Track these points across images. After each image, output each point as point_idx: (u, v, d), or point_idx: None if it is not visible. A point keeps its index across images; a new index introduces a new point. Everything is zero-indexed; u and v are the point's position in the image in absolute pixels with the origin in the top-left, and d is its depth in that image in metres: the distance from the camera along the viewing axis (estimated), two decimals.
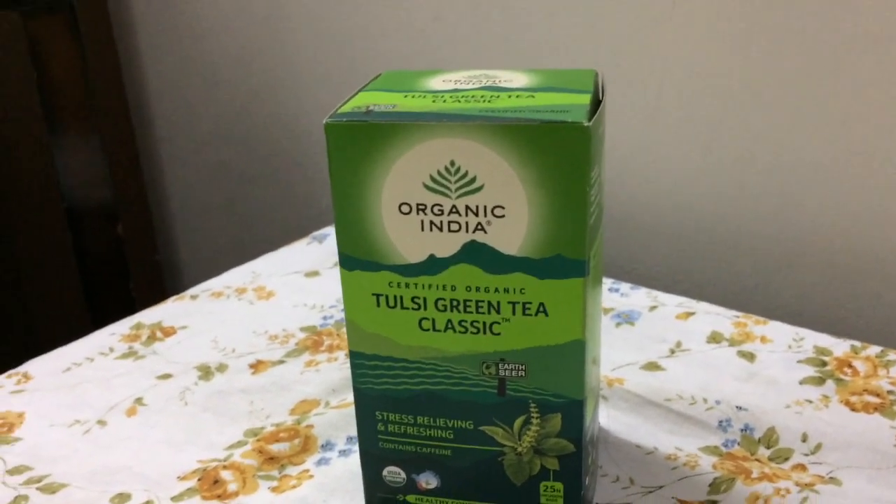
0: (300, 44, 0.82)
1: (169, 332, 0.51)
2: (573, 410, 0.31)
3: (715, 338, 0.48)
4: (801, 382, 0.43)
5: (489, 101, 0.29)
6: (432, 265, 0.30)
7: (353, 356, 0.33)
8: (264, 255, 0.61)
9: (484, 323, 0.31)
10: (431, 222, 0.29)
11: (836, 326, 0.55)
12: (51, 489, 0.38)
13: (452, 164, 0.29)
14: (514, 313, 0.30)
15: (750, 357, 0.46)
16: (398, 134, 0.28)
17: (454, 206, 0.29)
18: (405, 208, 0.29)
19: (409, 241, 0.30)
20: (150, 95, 0.99)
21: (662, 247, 0.64)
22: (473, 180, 0.29)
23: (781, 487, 0.36)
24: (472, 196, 0.29)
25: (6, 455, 0.40)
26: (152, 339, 0.50)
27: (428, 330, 0.31)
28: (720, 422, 0.40)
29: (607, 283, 0.55)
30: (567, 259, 0.29)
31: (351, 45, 0.78)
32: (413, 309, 0.31)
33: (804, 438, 0.39)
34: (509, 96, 0.30)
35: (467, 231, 0.29)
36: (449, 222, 0.29)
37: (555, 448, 0.32)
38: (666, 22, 0.57)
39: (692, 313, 0.51)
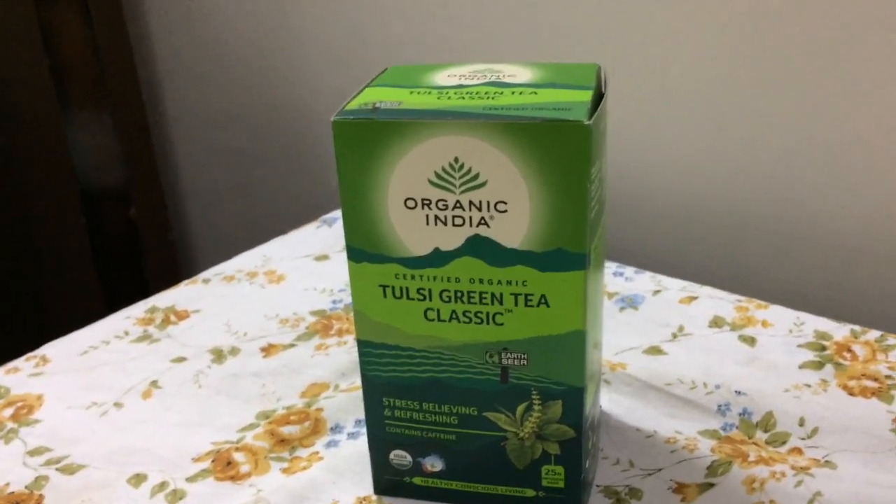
0: (310, 26, 0.83)
1: (182, 315, 0.52)
2: (574, 397, 0.33)
3: (717, 322, 0.49)
4: (800, 367, 0.44)
5: (493, 98, 0.30)
6: (437, 258, 0.31)
7: (361, 344, 0.34)
8: (275, 239, 0.62)
9: (487, 314, 0.32)
10: (436, 216, 0.30)
11: (837, 310, 0.56)
12: (70, 470, 0.39)
13: (456, 160, 0.29)
14: (516, 304, 0.31)
15: (751, 341, 0.47)
16: (404, 132, 0.29)
17: (458, 202, 0.30)
18: (410, 203, 0.30)
19: (414, 234, 0.31)
20: (161, 77, 1.00)
21: (667, 231, 0.65)
22: (477, 176, 0.29)
23: (777, 471, 0.37)
24: (475, 192, 0.30)
25: (27, 437, 0.42)
26: (166, 322, 0.52)
27: (433, 320, 0.32)
28: (719, 406, 0.41)
29: (612, 266, 0.56)
30: (568, 252, 0.30)
31: (361, 29, 0.78)
32: (419, 300, 0.32)
33: (801, 423, 0.40)
34: (512, 93, 0.31)
35: (471, 225, 0.30)
36: (453, 217, 0.30)
37: (556, 433, 0.33)
38: (671, 6, 0.58)
39: (695, 298, 0.51)
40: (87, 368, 0.47)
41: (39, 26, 0.88)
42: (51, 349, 0.49)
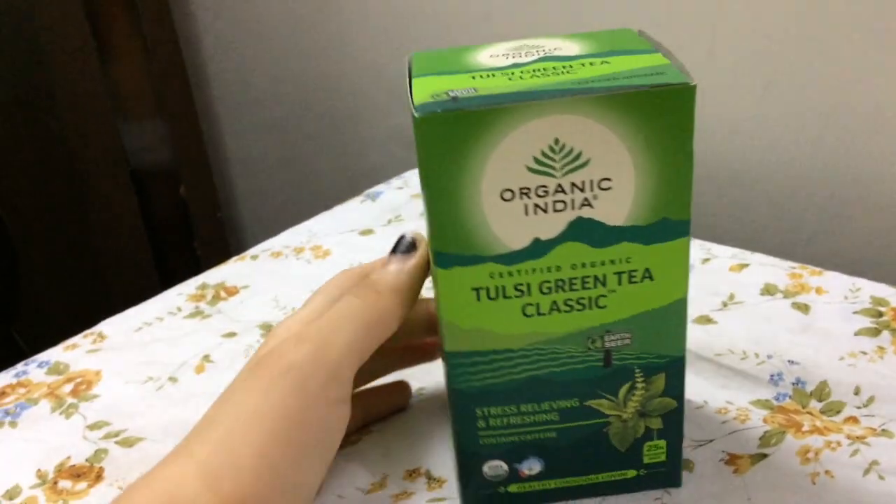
0: (350, 1, 0.82)
1: (232, 291, 0.53)
2: (676, 368, 0.32)
3: (769, 290, 0.48)
4: (855, 334, 0.43)
5: (568, 73, 0.28)
6: (536, 249, 0.29)
7: (450, 357, 0.31)
8: (320, 215, 0.63)
9: (589, 298, 0.30)
10: (536, 205, 0.28)
11: (894, 275, 0.54)
12: (128, 443, 0.40)
13: (557, 142, 0.27)
14: (619, 283, 0.30)
15: (804, 309, 0.46)
16: (500, 118, 0.27)
17: (559, 185, 0.28)
18: (507, 195, 0.28)
19: (511, 227, 0.29)
20: (205, 57, 1.01)
21: (716, 197, 0.63)
22: (579, 156, 0.28)
23: (832, 440, 0.36)
24: (578, 172, 0.28)
25: (86, 411, 0.43)
26: (217, 298, 0.53)
27: (532, 315, 0.30)
28: (771, 376, 0.41)
29: None
30: (672, 221, 0.29)
31: (400, 3, 0.77)
32: (516, 297, 0.30)
33: (857, 391, 0.39)
34: (582, 65, 0.29)
35: (573, 208, 0.28)
36: (554, 202, 0.28)
37: (658, 407, 0.33)
38: None
39: (746, 265, 0.50)
40: (142, 344, 0.49)
41: (86, 12, 0.89)
42: (107, 326, 0.51)
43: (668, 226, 0.29)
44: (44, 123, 0.90)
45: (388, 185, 0.66)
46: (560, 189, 0.28)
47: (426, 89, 0.28)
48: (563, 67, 0.29)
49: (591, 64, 0.29)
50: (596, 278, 0.30)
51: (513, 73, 0.29)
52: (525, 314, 0.30)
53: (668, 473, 0.34)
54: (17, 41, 0.88)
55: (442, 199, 0.28)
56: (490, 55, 0.31)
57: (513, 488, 0.34)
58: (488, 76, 0.29)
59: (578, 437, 0.33)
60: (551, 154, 0.28)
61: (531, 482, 0.34)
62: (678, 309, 0.31)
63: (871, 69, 0.53)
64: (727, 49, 0.59)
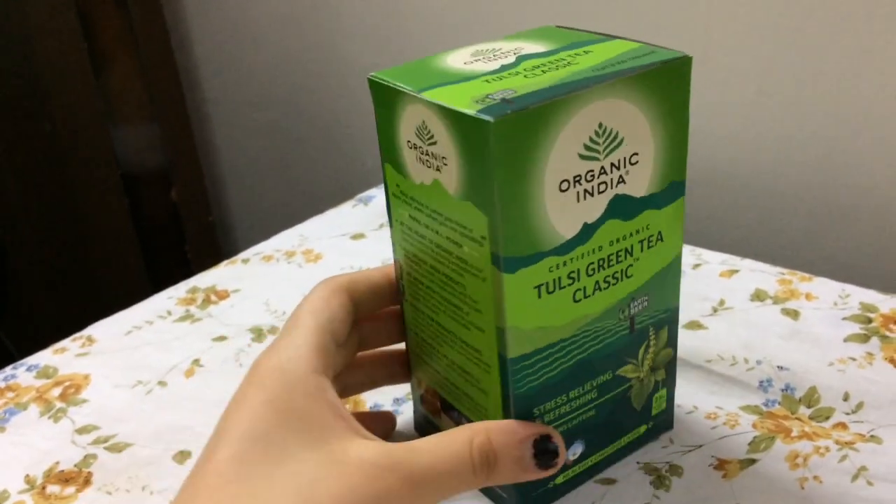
0: (344, 4, 0.82)
1: (223, 295, 0.53)
2: (673, 317, 0.34)
3: (759, 295, 0.48)
4: (845, 340, 0.43)
5: (570, 65, 0.29)
6: (585, 233, 0.29)
7: (514, 363, 0.30)
8: (312, 218, 0.62)
9: (622, 271, 0.31)
10: (585, 190, 0.29)
11: (884, 282, 0.55)
12: (117, 448, 0.40)
13: (601, 126, 0.28)
14: (641, 251, 0.32)
15: (794, 315, 0.46)
16: (559, 111, 0.27)
17: (602, 167, 0.29)
18: (564, 185, 0.28)
19: (566, 217, 0.29)
20: (197, 58, 1.01)
21: (707, 202, 0.64)
22: (616, 135, 0.29)
23: (821, 446, 0.36)
24: (616, 152, 0.29)
25: (75, 415, 0.43)
26: (207, 302, 0.52)
27: (580, 300, 0.30)
28: (761, 382, 0.41)
29: None
30: (676, 183, 0.31)
31: (394, 6, 0.78)
32: (569, 285, 0.30)
33: (846, 397, 0.39)
34: (572, 57, 0.30)
35: (611, 187, 0.29)
36: (598, 185, 0.29)
37: (663, 359, 0.35)
38: None
39: (736, 271, 0.50)
40: (131, 348, 0.48)
41: (78, 14, 0.89)
42: (96, 329, 0.50)
43: (673, 188, 0.31)
44: (35, 126, 0.90)
45: (380, 190, 0.66)
46: (602, 171, 0.29)
47: (459, 99, 0.27)
48: (559, 61, 0.30)
49: (577, 55, 0.30)
50: (626, 251, 0.31)
51: (519, 72, 0.29)
52: (575, 300, 0.30)
53: (666, 419, 0.37)
54: (8, 43, 0.88)
55: (514, 202, 0.27)
56: (463, 62, 0.31)
57: (559, 479, 0.34)
58: (500, 79, 0.29)
59: (610, 408, 0.34)
60: (596, 139, 0.28)
61: (574, 467, 0.34)
62: (677, 262, 0.33)
63: (862, 76, 0.54)
64: (719, 55, 0.59)
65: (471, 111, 0.26)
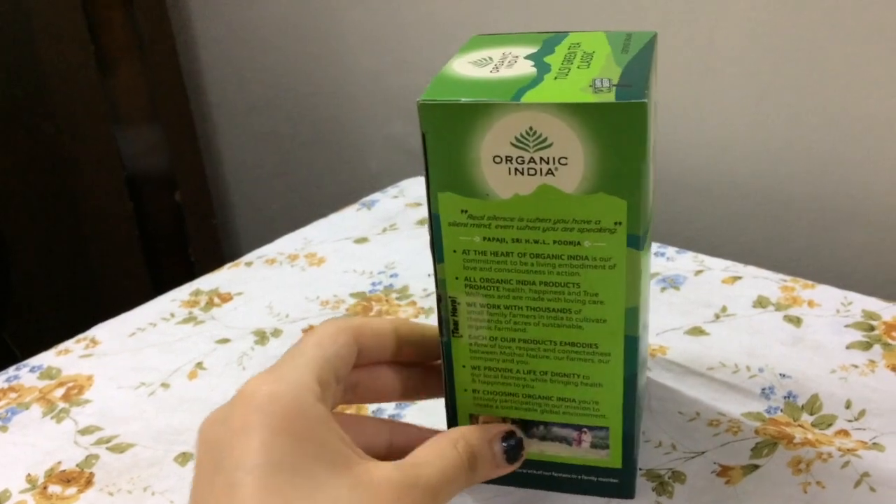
0: (348, 10, 0.83)
1: (226, 298, 0.53)
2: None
3: (761, 302, 0.48)
4: (847, 347, 0.43)
5: (586, 69, 0.30)
6: None
7: (637, 340, 0.32)
8: (315, 222, 0.63)
9: None
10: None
11: (887, 290, 0.55)
12: (119, 448, 0.40)
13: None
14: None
15: (796, 322, 0.46)
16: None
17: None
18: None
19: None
20: (202, 63, 1.01)
21: (710, 209, 0.64)
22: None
23: (823, 452, 0.36)
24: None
25: (77, 416, 0.43)
26: (210, 304, 0.53)
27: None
28: (763, 389, 0.41)
29: (653, 247, 0.55)
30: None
31: (397, 11, 0.78)
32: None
33: (848, 405, 0.39)
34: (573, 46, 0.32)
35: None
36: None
37: None
38: None
39: (739, 277, 0.50)
40: (134, 350, 0.48)
41: (84, 17, 0.89)
42: (100, 331, 0.51)
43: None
44: (39, 128, 0.90)
45: (384, 194, 0.67)
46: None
47: (569, 94, 0.28)
48: (578, 55, 0.32)
49: (575, 48, 0.33)
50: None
51: (569, 68, 0.30)
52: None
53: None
54: (13, 45, 0.88)
55: (645, 180, 0.29)
56: (489, 71, 0.31)
57: None
58: (566, 73, 0.30)
59: None
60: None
61: None
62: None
63: (865, 83, 0.54)
64: (723, 64, 0.59)
65: (609, 99, 0.27)
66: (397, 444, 0.34)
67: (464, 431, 0.32)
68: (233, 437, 0.27)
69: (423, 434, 0.34)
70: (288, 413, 0.27)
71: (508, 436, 0.33)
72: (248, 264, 0.57)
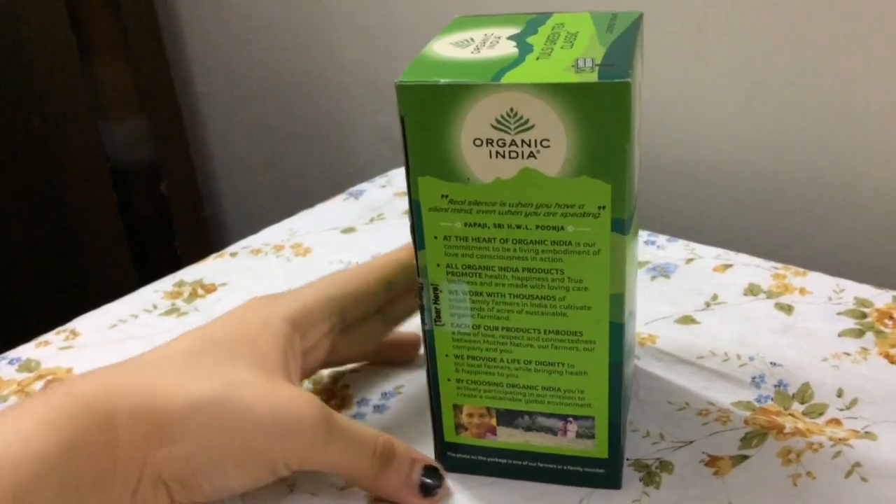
0: (337, 1, 0.82)
1: (210, 289, 0.52)
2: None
3: (752, 290, 0.47)
4: (839, 335, 0.43)
5: (569, 49, 0.29)
6: None
7: (623, 327, 0.31)
8: (302, 212, 0.62)
9: None
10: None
11: (879, 277, 0.54)
12: None
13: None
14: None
15: (787, 309, 0.45)
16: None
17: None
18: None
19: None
20: (189, 54, 1.00)
21: (701, 197, 0.63)
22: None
23: (814, 442, 0.36)
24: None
25: None
26: (194, 296, 0.52)
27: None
28: (753, 378, 0.40)
29: (644, 235, 0.54)
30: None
31: (386, 1, 0.77)
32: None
33: (840, 393, 0.39)
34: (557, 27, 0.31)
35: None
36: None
37: None
38: None
39: (730, 265, 0.50)
40: (116, 342, 0.48)
41: (67, 7, 0.88)
42: (80, 323, 0.50)
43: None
44: (23, 119, 0.89)
45: (372, 184, 0.66)
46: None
47: (551, 74, 0.27)
48: (562, 35, 0.31)
49: (560, 28, 0.32)
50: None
51: (552, 48, 0.30)
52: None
53: None
54: None
55: (629, 162, 0.28)
56: (471, 52, 0.30)
57: None
58: (549, 53, 0.29)
59: None
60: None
61: None
62: None
63: (856, 73, 0.53)
64: (714, 51, 0.58)
65: (592, 79, 0.26)
66: None
67: (394, 441, 0.34)
68: (216, 319, 0.35)
69: None
70: (255, 318, 0.34)
71: (433, 469, 0.34)
72: (234, 255, 0.56)
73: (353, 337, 0.39)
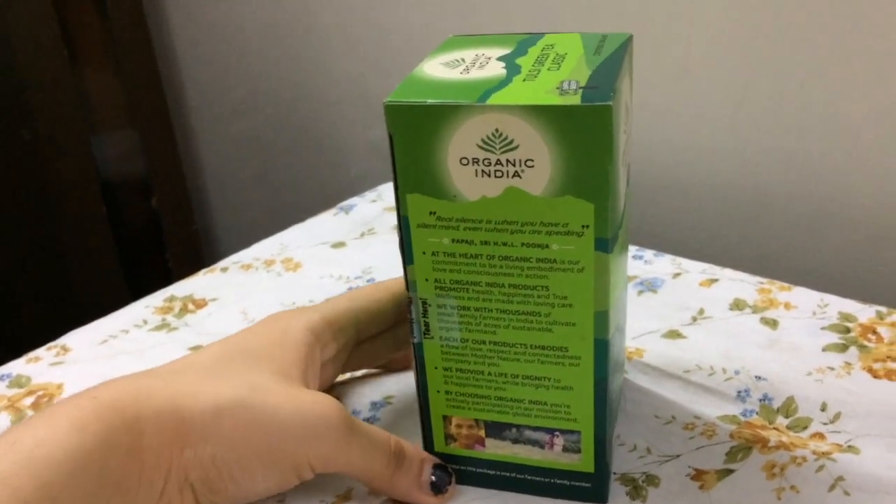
0: (329, 13, 0.82)
1: (200, 304, 0.53)
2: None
3: (738, 305, 0.48)
4: (823, 349, 0.43)
5: (556, 70, 0.30)
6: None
7: (608, 343, 0.32)
8: (292, 227, 0.62)
9: None
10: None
11: (863, 292, 0.55)
12: None
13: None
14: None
15: (772, 324, 0.46)
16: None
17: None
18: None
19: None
20: (180, 67, 1.01)
21: (687, 212, 0.64)
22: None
23: (798, 456, 0.36)
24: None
25: None
26: (184, 311, 0.52)
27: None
28: (738, 392, 0.41)
29: (631, 250, 0.55)
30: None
31: (379, 15, 0.77)
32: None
33: (823, 407, 0.39)
34: (550, 68, 0.31)
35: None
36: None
37: None
38: None
39: (716, 280, 0.50)
40: (106, 357, 0.48)
41: (58, 21, 0.88)
42: (71, 338, 0.50)
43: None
44: (13, 132, 0.89)
45: (362, 198, 0.66)
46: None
47: (535, 96, 0.28)
48: (551, 57, 0.31)
49: (549, 49, 0.32)
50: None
51: (539, 70, 0.30)
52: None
53: None
54: None
55: (613, 182, 0.29)
56: (460, 73, 0.31)
57: None
58: (535, 75, 0.30)
59: None
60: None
61: None
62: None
63: (841, 90, 0.54)
64: (701, 65, 0.59)
65: (575, 101, 0.27)
66: None
67: (403, 441, 0.34)
68: (240, 331, 0.37)
69: None
70: (278, 329, 0.36)
71: (442, 466, 0.35)
72: (224, 270, 0.57)
73: (363, 354, 0.40)
